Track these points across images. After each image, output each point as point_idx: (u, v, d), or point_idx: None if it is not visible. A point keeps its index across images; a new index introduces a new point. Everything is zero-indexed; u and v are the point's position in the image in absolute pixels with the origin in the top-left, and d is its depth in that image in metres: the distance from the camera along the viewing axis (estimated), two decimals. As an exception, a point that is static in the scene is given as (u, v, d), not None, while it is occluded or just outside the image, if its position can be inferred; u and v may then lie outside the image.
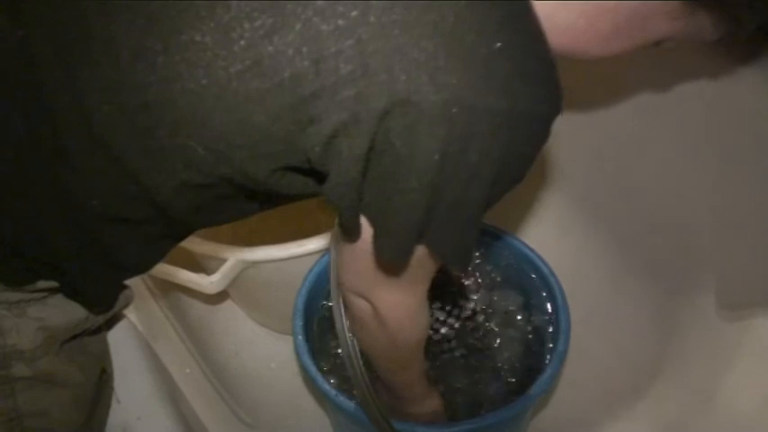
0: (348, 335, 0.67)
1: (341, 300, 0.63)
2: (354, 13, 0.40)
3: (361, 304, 0.58)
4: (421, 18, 0.40)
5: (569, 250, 0.92)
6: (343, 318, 0.65)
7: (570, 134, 0.95)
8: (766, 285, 0.74)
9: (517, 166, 0.46)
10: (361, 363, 0.66)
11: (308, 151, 0.45)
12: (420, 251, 0.50)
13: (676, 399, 0.79)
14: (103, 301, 0.60)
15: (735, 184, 0.79)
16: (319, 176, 0.48)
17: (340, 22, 0.40)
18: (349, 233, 0.50)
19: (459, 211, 0.46)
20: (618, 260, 0.92)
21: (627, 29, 0.51)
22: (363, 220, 0.49)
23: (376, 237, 0.49)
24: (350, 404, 0.69)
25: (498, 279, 0.86)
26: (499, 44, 0.42)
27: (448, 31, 0.41)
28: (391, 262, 0.51)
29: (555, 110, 0.45)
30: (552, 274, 0.79)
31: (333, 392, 0.70)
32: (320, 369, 0.73)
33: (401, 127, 0.42)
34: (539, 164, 0.97)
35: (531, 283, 0.81)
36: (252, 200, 0.53)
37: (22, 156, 0.47)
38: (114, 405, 0.65)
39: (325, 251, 0.80)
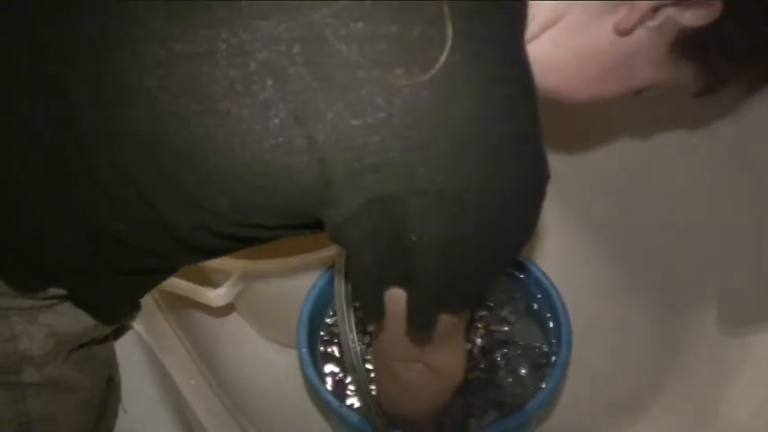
0: (353, 346, 0.68)
1: (347, 311, 0.65)
2: (381, 115, 0.44)
3: (415, 367, 0.61)
4: (436, 119, 0.45)
5: (570, 264, 0.92)
6: (348, 331, 0.66)
7: (570, 150, 0.97)
8: (765, 301, 0.75)
9: (525, 238, 0.51)
10: (365, 376, 0.67)
11: (326, 225, 0.49)
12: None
13: (678, 412, 0.79)
14: (114, 317, 0.61)
15: (734, 198, 0.80)
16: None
17: (369, 120, 0.44)
18: (374, 316, 0.54)
19: (478, 279, 0.51)
20: (619, 274, 0.92)
21: (613, 75, 0.54)
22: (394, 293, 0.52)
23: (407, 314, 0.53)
24: (353, 416, 0.69)
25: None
26: (504, 135, 0.46)
27: (460, 129, 0.45)
28: (419, 331, 0.54)
29: (547, 177, 0.50)
30: (553, 286, 0.79)
31: (336, 404, 0.71)
32: (324, 381, 0.74)
33: (417, 212, 0.45)
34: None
35: (530, 295, 0.81)
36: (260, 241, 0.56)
37: (49, 173, 0.50)
38: (121, 414, 0.66)
39: (330, 264, 0.81)
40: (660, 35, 0.50)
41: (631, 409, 0.84)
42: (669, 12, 0.49)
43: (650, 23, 0.49)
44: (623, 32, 0.50)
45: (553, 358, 0.77)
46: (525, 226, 0.50)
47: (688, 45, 0.50)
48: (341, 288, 0.66)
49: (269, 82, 0.45)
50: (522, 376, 0.77)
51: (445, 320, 0.54)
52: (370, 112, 0.44)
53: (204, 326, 0.94)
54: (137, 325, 0.73)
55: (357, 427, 0.69)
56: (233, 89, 0.45)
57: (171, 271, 0.60)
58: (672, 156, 0.85)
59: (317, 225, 0.51)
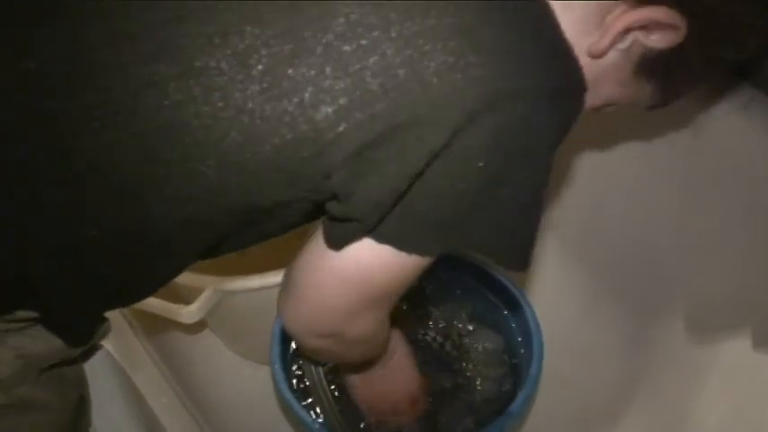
0: (313, 366, 0.68)
1: None
2: (376, 33, 0.41)
3: (325, 342, 0.58)
4: (442, 22, 0.42)
5: (541, 277, 0.93)
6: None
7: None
8: (732, 308, 0.76)
9: (557, 139, 0.48)
10: (329, 395, 0.67)
11: (332, 173, 0.44)
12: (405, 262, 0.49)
13: (649, 420, 0.80)
14: (82, 335, 0.59)
15: (701, 210, 0.81)
16: (322, 207, 0.49)
17: (362, 41, 0.41)
18: (337, 243, 0.49)
19: (519, 201, 0.47)
20: (590, 286, 0.93)
21: None
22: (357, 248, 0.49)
23: (405, 241, 0.48)
24: (322, 430, 0.69)
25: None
26: (522, 30, 0.43)
27: (468, 28, 0.42)
28: (426, 254, 0.50)
29: (578, 81, 0.47)
30: (524, 297, 0.80)
31: (310, 420, 0.70)
32: (299, 397, 0.74)
33: (445, 130, 0.42)
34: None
35: (501, 307, 0.82)
36: (245, 239, 0.53)
37: (25, 181, 0.47)
38: (90, 434, 0.65)
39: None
40: (627, 56, 0.52)
41: (603, 418, 0.85)
42: (637, 35, 0.50)
43: (620, 46, 0.51)
44: (597, 55, 0.51)
45: (524, 368, 0.77)
46: (563, 132, 0.47)
47: (652, 65, 0.52)
48: None
49: (248, 29, 0.42)
50: (493, 388, 0.77)
51: (379, 286, 0.51)
52: (362, 33, 0.41)
53: (176, 343, 0.93)
54: (107, 343, 0.72)
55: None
56: (211, 44, 0.43)
57: (153, 284, 0.56)
58: (638, 168, 0.87)
59: (316, 204, 0.47)
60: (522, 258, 0.50)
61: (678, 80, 0.54)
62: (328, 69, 0.42)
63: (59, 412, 0.60)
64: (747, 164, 0.75)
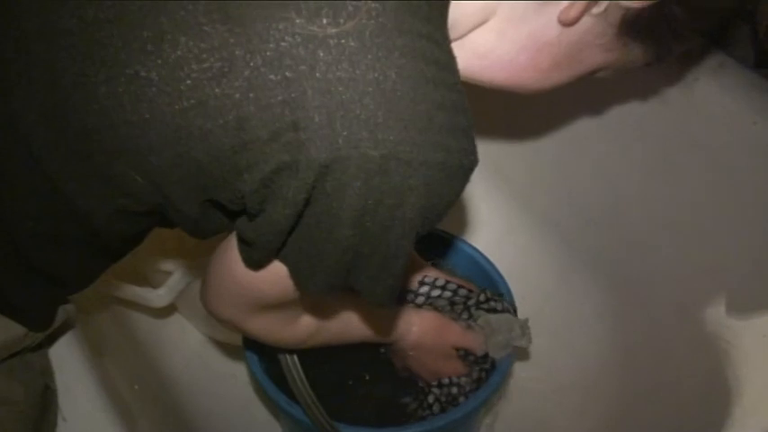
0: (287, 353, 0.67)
1: None
2: (303, 68, 0.41)
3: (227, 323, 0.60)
4: (365, 76, 0.41)
5: (514, 250, 0.93)
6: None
7: (511, 137, 0.97)
8: (706, 275, 0.77)
9: (443, 212, 0.48)
10: (302, 375, 0.67)
11: (244, 192, 0.45)
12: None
13: (623, 389, 0.81)
14: (39, 319, 0.59)
15: (669, 179, 0.81)
16: (238, 215, 0.49)
17: (288, 74, 0.41)
18: (254, 266, 0.51)
19: (389, 260, 0.48)
20: (563, 258, 0.94)
21: (565, 62, 0.54)
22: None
23: (298, 275, 0.50)
24: (299, 411, 0.68)
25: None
26: (435, 101, 0.43)
27: (389, 89, 0.42)
28: (315, 294, 0.52)
29: (476, 160, 0.47)
30: (498, 273, 0.80)
31: (283, 399, 0.70)
32: (272, 377, 0.73)
33: (338, 179, 0.43)
34: (481, 168, 0.99)
35: (476, 283, 0.81)
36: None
37: None
38: (60, 423, 0.63)
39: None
40: (606, 20, 0.51)
41: (578, 391, 0.86)
42: None
43: (595, 10, 0.50)
44: (568, 23, 0.50)
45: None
46: (444, 205, 0.47)
47: (634, 26, 0.51)
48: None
49: (182, 39, 0.42)
50: (469, 363, 0.77)
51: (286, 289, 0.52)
52: (289, 64, 0.41)
53: (145, 328, 0.92)
54: (74, 329, 0.70)
55: (306, 424, 0.68)
56: (143, 50, 0.42)
57: (93, 271, 0.58)
58: (608, 141, 0.87)
59: (233, 212, 0.48)
60: (388, 300, 0.52)
61: (666, 37, 0.53)
62: (252, 95, 0.42)
63: (23, 403, 0.59)
64: (718, 129, 0.75)
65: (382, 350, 0.79)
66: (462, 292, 0.78)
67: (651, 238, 0.83)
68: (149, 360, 0.87)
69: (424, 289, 0.78)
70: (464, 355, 0.75)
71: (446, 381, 0.75)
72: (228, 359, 0.92)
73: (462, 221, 0.98)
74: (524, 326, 0.75)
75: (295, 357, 0.67)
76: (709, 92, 0.74)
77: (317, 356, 0.73)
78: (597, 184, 0.89)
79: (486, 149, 0.99)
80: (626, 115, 0.83)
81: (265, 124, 0.42)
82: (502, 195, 0.98)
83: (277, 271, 0.50)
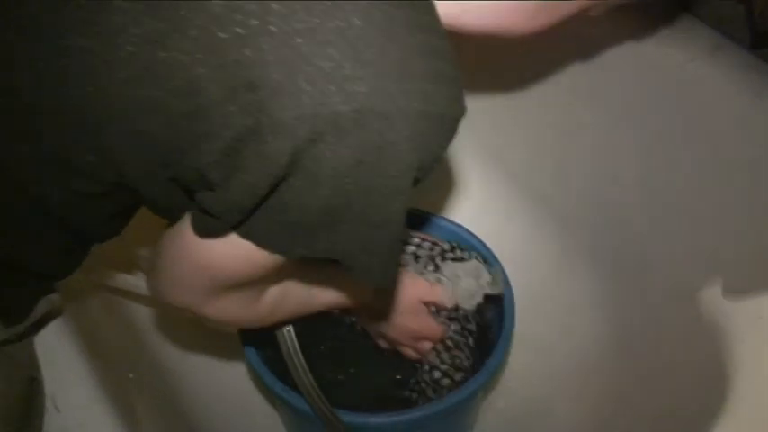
0: (286, 329, 0.66)
1: None
2: (254, 22, 0.38)
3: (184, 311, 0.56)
4: (325, 25, 0.38)
5: (512, 236, 0.93)
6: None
7: (508, 121, 0.97)
8: (703, 260, 0.76)
9: (430, 168, 0.45)
10: (302, 360, 0.66)
11: (201, 162, 0.42)
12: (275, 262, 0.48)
13: (621, 374, 0.81)
14: (18, 311, 0.56)
15: (667, 163, 0.81)
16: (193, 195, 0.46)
17: (239, 30, 0.38)
18: (218, 244, 0.48)
19: (379, 228, 0.44)
20: (561, 243, 0.93)
21: (553, 1, 0.51)
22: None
23: (272, 248, 0.47)
24: (297, 399, 0.68)
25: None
26: (410, 46, 0.40)
27: (354, 36, 0.38)
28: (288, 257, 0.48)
29: (463, 109, 0.44)
30: (495, 259, 0.79)
31: (279, 387, 0.69)
32: (269, 364, 0.72)
33: (309, 142, 0.39)
34: (479, 152, 0.98)
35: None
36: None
37: None
38: (54, 414, 0.63)
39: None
40: None
41: (576, 376, 0.85)
42: None
43: None
44: None
45: (494, 326, 0.77)
46: (431, 159, 0.44)
47: None
48: None
49: (117, 2, 0.39)
50: (466, 348, 0.76)
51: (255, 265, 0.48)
52: (239, 20, 0.37)
53: (139, 316, 0.91)
54: (68, 318, 0.70)
55: (303, 410, 0.68)
56: (81, 19, 0.39)
57: (69, 259, 0.54)
58: (607, 125, 0.86)
59: (190, 189, 0.45)
60: (381, 276, 0.48)
61: None
62: (201, 57, 0.38)
63: (7, 397, 0.57)
64: (714, 112, 0.74)
65: (353, 319, 0.78)
66: (426, 244, 0.75)
67: (649, 222, 0.83)
68: (144, 348, 0.86)
69: None
70: (436, 311, 0.72)
71: (435, 363, 0.74)
72: (225, 347, 0.91)
73: (457, 206, 0.97)
74: (496, 273, 0.72)
75: (296, 345, 0.66)
76: (705, 74, 0.74)
77: (316, 344, 0.73)
78: (595, 169, 0.89)
79: (485, 135, 0.99)
80: (624, 100, 0.83)
81: (219, 86, 0.39)
82: (498, 179, 0.98)
83: (243, 246, 0.46)
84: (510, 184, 0.98)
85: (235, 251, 0.47)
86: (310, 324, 0.69)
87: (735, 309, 0.69)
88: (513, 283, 0.77)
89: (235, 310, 0.56)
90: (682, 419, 0.67)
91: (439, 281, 0.71)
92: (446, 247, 0.73)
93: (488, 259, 0.75)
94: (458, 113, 0.43)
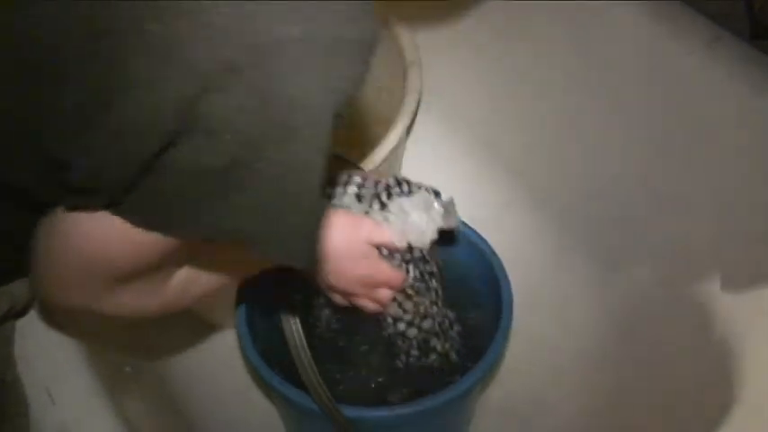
0: (293, 322, 0.65)
1: None
2: None
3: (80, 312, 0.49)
4: None
5: (509, 228, 0.93)
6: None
7: (503, 112, 0.97)
8: (701, 252, 0.76)
9: (341, 101, 0.38)
10: (308, 353, 0.65)
11: (63, 139, 0.36)
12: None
13: (620, 369, 0.81)
14: None
15: (667, 154, 0.81)
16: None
17: None
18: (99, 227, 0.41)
19: (293, 180, 0.38)
20: (558, 236, 0.93)
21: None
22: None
23: (165, 225, 0.40)
24: (294, 392, 0.68)
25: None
26: None
27: None
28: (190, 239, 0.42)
29: (371, 31, 0.37)
30: (493, 252, 0.79)
31: (276, 380, 0.69)
32: (266, 359, 0.72)
33: (195, 93, 0.34)
34: (473, 143, 0.98)
35: (470, 261, 0.81)
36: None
37: None
38: (49, 406, 0.62)
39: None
40: None
41: (575, 369, 0.85)
42: None
43: None
44: None
45: (492, 321, 0.76)
46: (341, 91, 0.37)
47: None
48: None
49: None
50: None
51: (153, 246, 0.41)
52: None
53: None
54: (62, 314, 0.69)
55: (300, 404, 0.68)
56: None
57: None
58: (604, 115, 0.86)
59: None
60: (299, 251, 0.41)
61: None
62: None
63: None
64: (711, 105, 0.74)
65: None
66: (369, 183, 0.67)
67: (648, 214, 0.83)
68: (140, 342, 0.86)
69: (326, 188, 0.66)
70: (389, 255, 0.65)
71: (398, 315, 0.68)
72: (222, 341, 0.91)
73: (456, 199, 0.97)
74: (448, 204, 0.66)
75: (303, 338, 0.65)
76: (704, 65, 0.73)
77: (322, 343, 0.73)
78: (593, 162, 0.89)
79: (481, 126, 0.99)
80: (622, 91, 0.83)
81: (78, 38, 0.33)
82: (495, 171, 0.97)
83: (121, 226, 0.40)
84: (506, 176, 0.98)
85: (113, 233, 0.41)
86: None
87: (735, 300, 0.69)
88: (510, 277, 0.77)
89: (135, 302, 0.50)
90: (681, 411, 0.67)
91: (386, 219, 0.65)
92: (391, 182, 0.66)
93: (439, 192, 0.68)
94: (363, 35, 0.37)
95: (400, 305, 0.68)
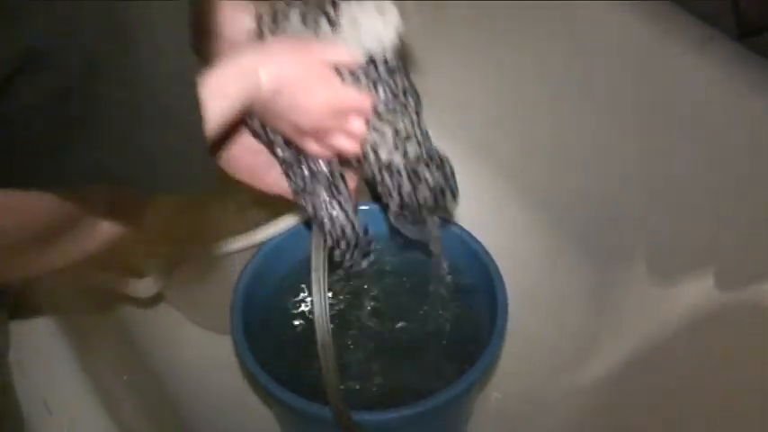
0: (325, 319, 0.63)
1: (323, 283, 0.61)
2: None
3: None
4: None
5: (502, 228, 0.93)
6: (322, 301, 0.62)
7: (497, 114, 0.97)
8: (694, 249, 0.77)
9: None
10: (333, 353, 0.64)
11: None
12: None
13: (615, 366, 0.81)
14: None
15: (659, 153, 0.81)
16: None
17: None
18: None
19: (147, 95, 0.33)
20: (552, 235, 0.93)
21: None
22: None
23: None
24: (291, 397, 0.68)
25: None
26: None
27: None
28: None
29: None
30: (486, 252, 0.79)
31: (273, 386, 0.69)
32: (263, 364, 0.72)
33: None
34: (467, 145, 0.98)
35: (464, 262, 0.81)
36: None
37: None
38: (46, 417, 0.62)
39: (260, 246, 0.79)
40: None
41: (571, 367, 0.86)
42: None
43: None
44: None
45: (487, 321, 0.76)
46: None
47: None
48: (319, 257, 0.62)
49: None
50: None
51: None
52: None
53: (132, 318, 0.91)
54: (59, 320, 0.69)
55: (298, 410, 0.68)
56: None
57: None
58: (596, 114, 0.86)
59: None
60: (185, 175, 0.35)
61: None
62: None
63: None
64: (705, 104, 0.75)
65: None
66: (311, 1, 0.61)
67: (640, 213, 0.83)
68: (138, 351, 0.86)
69: (265, 20, 0.61)
70: (351, 77, 0.59)
71: (374, 141, 0.61)
72: (219, 348, 0.91)
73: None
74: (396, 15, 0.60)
75: (331, 338, 0.64)
76: (696, 66, 0.74)
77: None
78: (588, 160, 0.89)
79: (477, 127, 0.99)
80: (613, 92, 0.83)
81: None
82: (487, 171, 0.98)
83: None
84: (499, 175, 0.98)
85: None
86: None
87: (729, 300, 0.69)
88: (505, 277, 0.77)
89: (68, 252, 0.44)
90: (677, 409, 0.67)
91: (337, 33, 0.59)
92: None
93: None
94: None
95: (377, 130, 0.62)
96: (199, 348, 0.93)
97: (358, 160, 0.63)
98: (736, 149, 0.73)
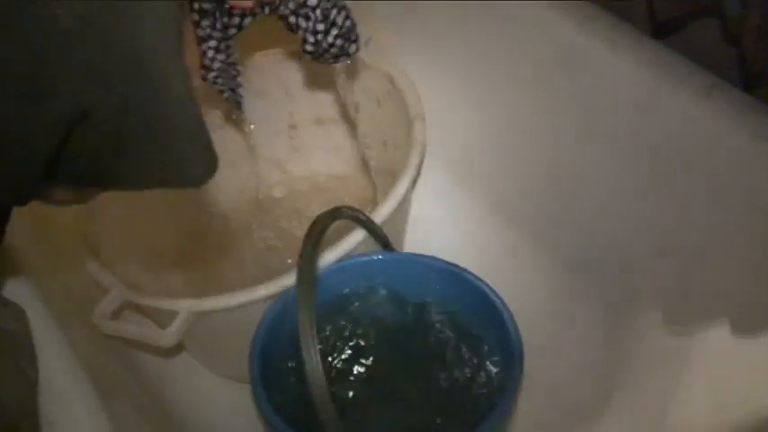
0: (319, 369, 0.64)
1: (312, 335, 0.63)
2: None
3: None
4: None
5: (513, 276, 0.93)
6: (313, 354, 0.64)
7: (501, 153, 0.98)
8: (707, 297, 0.77)
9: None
10: (332, 407, 0.64)
11: None
12: None
13: (631, 418, 0.80)
14: None
15: (671, 201, 0.82)
16: None
17: None
18: None
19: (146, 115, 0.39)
20: (563, 284, 0.93)
21: None
22: None
23: None
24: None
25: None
26: None
27: None
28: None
29: None
30: (500, 298, 0.79)
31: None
32: (282, 415, 0.72)
33: None
34: (476, 193, 0.99)
35: (477, 311, 0.81)
36: None
37: None
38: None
39: (279, 295, 0.80)
40: None
41: (585, 421, 0.85)
42: None
43: None
44: None
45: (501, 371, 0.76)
46: None
47: None
48: (305, 311, 0.65)
49: None
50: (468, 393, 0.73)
51: None
52: None
53: (153, 368, 0.92)
54: (79, 368, 0.70)
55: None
56: None
57: None
58: (606, 161, 0.87)
59: None
60: (204, 171, 0.44)
61: None
62: None
63: None
64: (713, 153, 0.75)
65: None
66: None
67: (652, 261, 0.84)
68: (157, 400, 0.87)
69: None
70: None
71: None
72: (238, 397, 0.92)
73: (457, 247, 0.96)
74: None
75: (327, 389, 0.65)
76: (703, 116, 0.75)
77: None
78: (598, 206, 0.90)
79: (486, 175, 1.00)
80: (622, 141, 0.84)
81: None
82: (498, 218, 0.98)
83: None
84: (509, 223, 0.99)
85: None
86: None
87: (743, 346, 0.69)
88: (518, 323, 0.77)
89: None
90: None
91: None
92: None
93: None
94: None
95: None
96: (218, 397, 0.93)
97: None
98: (747, 196, 0.73)
